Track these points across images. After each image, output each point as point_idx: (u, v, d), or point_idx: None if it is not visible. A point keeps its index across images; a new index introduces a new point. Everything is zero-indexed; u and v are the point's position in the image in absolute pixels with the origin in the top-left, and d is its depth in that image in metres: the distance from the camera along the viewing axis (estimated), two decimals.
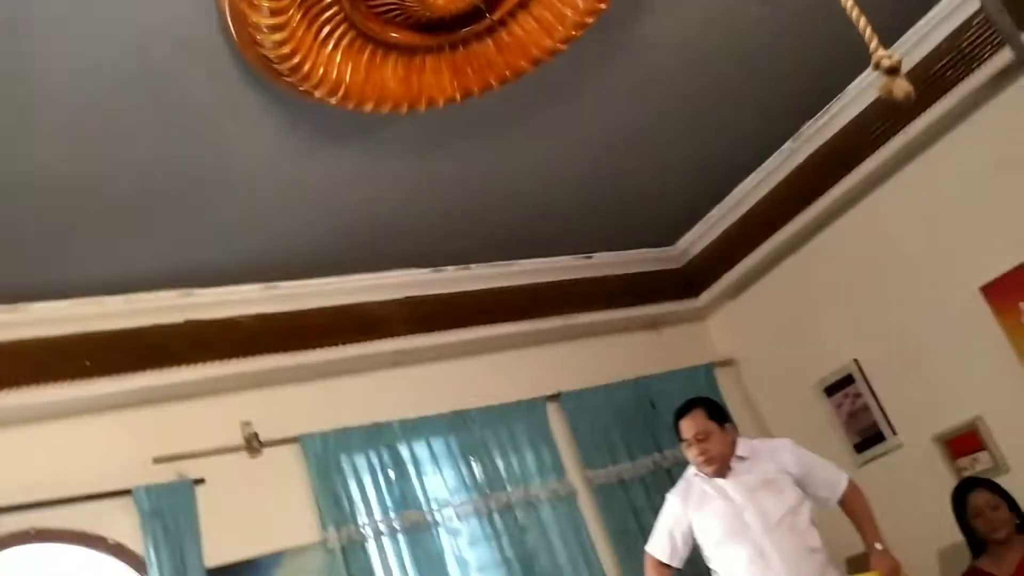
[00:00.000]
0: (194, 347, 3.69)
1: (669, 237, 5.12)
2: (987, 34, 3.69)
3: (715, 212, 4.93)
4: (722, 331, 5.34)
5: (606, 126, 3.76)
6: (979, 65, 3.75)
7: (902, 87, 0.95)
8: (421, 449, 4.05)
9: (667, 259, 5.22)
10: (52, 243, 3.20)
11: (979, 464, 4.10)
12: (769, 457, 3.48)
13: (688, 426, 3.51)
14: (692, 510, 3.54)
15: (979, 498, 3.47)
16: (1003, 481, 3.71)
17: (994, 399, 4.04)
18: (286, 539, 3.63)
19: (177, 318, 3.71)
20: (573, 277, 4.85)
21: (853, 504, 3.50)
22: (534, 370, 4.63)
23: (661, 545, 3.61)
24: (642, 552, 4.27)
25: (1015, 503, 3.47)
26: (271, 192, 3.38)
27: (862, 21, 1.79)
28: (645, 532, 4.33)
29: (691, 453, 3.53)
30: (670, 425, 4.70)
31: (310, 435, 3.83)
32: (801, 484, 3.46)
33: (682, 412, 3.59)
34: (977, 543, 3.52)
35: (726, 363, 5.21)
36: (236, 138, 3.04)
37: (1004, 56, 3.65)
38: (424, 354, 4.30)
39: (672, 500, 3.65)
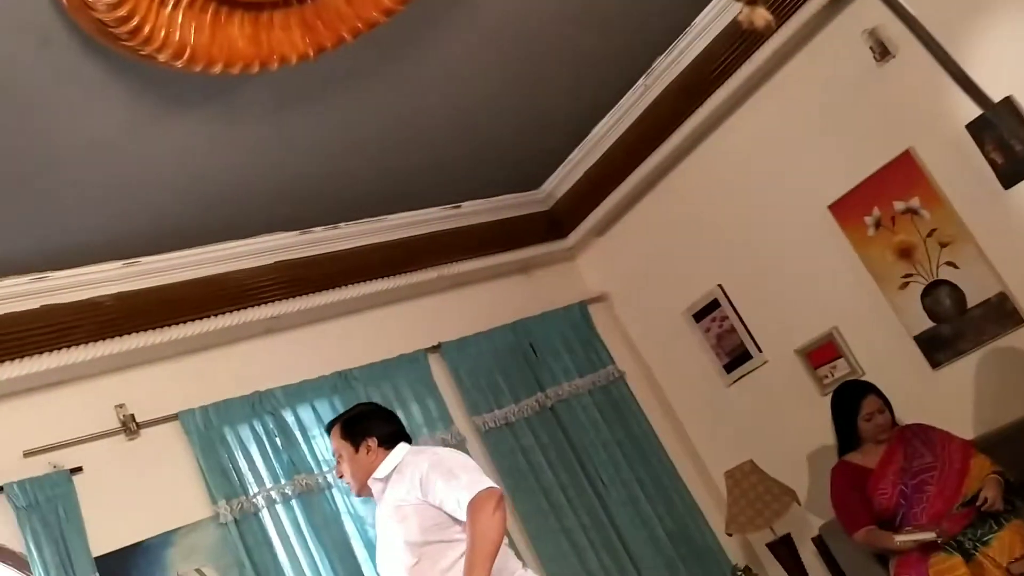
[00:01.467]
0: (54, 333, 3.50)
1: (534, 181, 5.18)
2: None
3: (576, 154, 5.02)
4: (592, 269, 5.48)
5: (462, 77, 3.75)
6: None
7: (762, 16, 0.98)
8: (306, 413, 4.00)
9: (534, 203, 5.29)
10: None
11: (837, 371, 4.40)
12: (409, 476, 2.77)
13: (332, 446, 3.06)
14: None
15: (872, 403, 3.69)
16: None
17: (847, 310, 4.33)
18: (176, 518, 3.53)
19: (32, 304, 3.50)
20: (443, 228, 4.85)
21: (468, 524, 2.59)
22: (413, 323, 4.63)
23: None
24: (532, 489, 4.41)
25: (890, 403, 3.73)
26: (123, 165, 3.21)
27: None
28: (534, 469, 4.47)
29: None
30: (551, 365, 4.86)
31: (189, 411, 3.72)
32: (436, 505, 2.72)
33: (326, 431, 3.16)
34: (849, 441, 3.77)
35: (598, 299, 5.36)
36: (80, 110, 2.86)
37: None
38: (299, 318, 4.23)
39: None
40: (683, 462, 5.02)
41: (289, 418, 3.93)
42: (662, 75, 4.55)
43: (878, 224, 4.11)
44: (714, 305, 4.86)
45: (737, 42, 4.21)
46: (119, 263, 3.70)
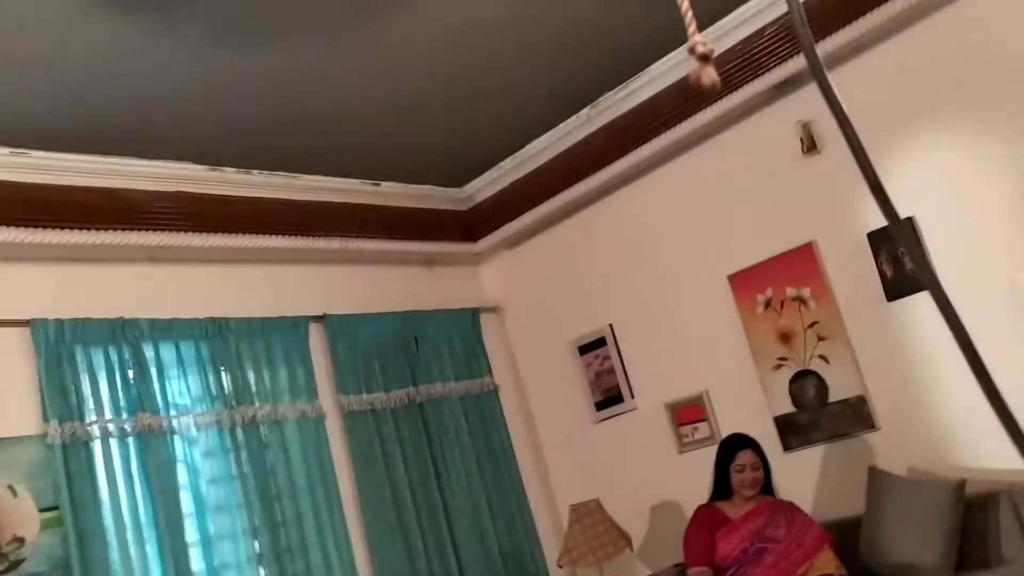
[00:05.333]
0: None
1: (459, 179, 5.17)
2: (776, 45, 3.99)
3: (507, 163, 5.04)
4: (493, 278, 5.50)
5: (413, 57, 3.71)
6: (764, 72, 4.05)
7: (710, 75, 1.01)
8: (168, 352, 3.86)
9: (453, 200, 5.28)
10: None
11: (698, 433, 4.53)
12: None
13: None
14: None
15: (746, 456, 3.80)
16: (711, 451, 4.10)
17: (721, 377, 4.46)
18: (1, 427, 3.35)
19: None
20: (357, 201, 4.78)
21: None
22: (301, 288, 4.55)
23: None
24: (381, 479, 4.37)
25: (768, 466, 3.85)
26: (37, 49, 3.04)
27: (686, 3, 1.87)
28: (387, 460, 4.44)
29: None
30: (430, 362, 4.84)
31: (43, 321, 3.52)
32: None
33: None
34: (721, 489, 3.86)
35: (492, 310, 5.38)
36: None
37: (786, 69, 3.97)
38: (187, 254, 4.09)
39: None
40: (533, 486, 5.07)
41: (149, 353, 3.79)
42: (607, 110, 4.61)
43: (768, 304, 4.25)
44: (600, 343, 4.94)
45: (683, 99, 4.30)
46: (6, 150, 3.51)
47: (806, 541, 3.60)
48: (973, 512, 3.48)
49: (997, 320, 3.44)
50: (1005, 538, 3.43)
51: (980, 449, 3.62)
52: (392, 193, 4.93)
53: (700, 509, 3.84)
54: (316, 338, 4.47)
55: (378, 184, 4.84)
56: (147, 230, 3.91)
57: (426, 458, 4.63)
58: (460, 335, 5.07)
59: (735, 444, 3.84)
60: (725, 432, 4.42)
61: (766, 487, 3.81)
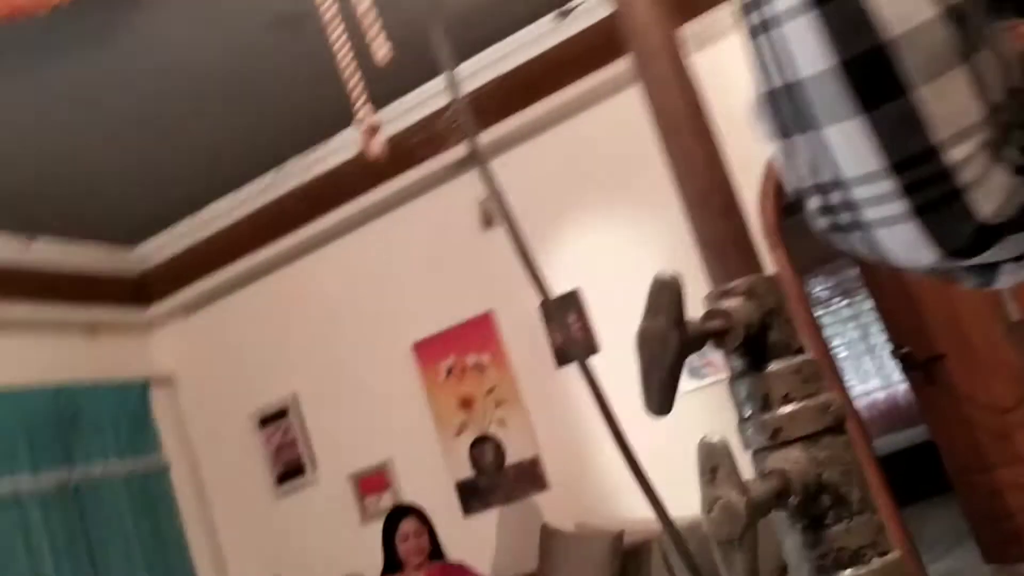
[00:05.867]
0: None
1: (129, 238, 4.81)
2: (455, 124, 4.22)
3: (184, 225, 4.79)
4: (167, 347, 5.14)
5: (84, 99, 3.43)
6: (444, 149, 4.26)
7: (378, 145, 1.05)
8: None
9: (122, 261, 4.89)
10: None
11: (383, 502, 4.52)
12: None
13: None
14: None
15: (408, 524, 3.78)
16: None
17: (405, 444, 4.51)
18: None
19: None
20: (5, 256, 4.26)
21: None
22: None
23: None
24: None
25: (434, 531, 3.87)
26: None
27: (354, 79, 1.93)
28: (33, 555, 3.91)
29: None
30: (88, 440, 4.38)
31: None
32: None
33: None
34: (391, 562, 3.82)
35: (164, 381, 5.01)
36: None
37: (465, 147, 4.21)
38: None
39: None
40: (205, 570, 4.73)
41: None
42: (292, 176, 4.57)
43: (450, 371, 4.40)
44: (282, 414, 4.79)
45: (368, 170, 4.37)
46: None
47: None
48: (630, 560, 3.81)
49: None
50: None
51: (636, 501, 3.98)
52: (49, 249, 4.46)
53: None
54: None
55: (32, 238, 4.35)
56: None
57: (81, 549, 4.14)
58: (125, 409, 4.66)
59: (396, 515, 3.88)
60: (409, 499, 4.47)
61: (435, 553, 3.88)
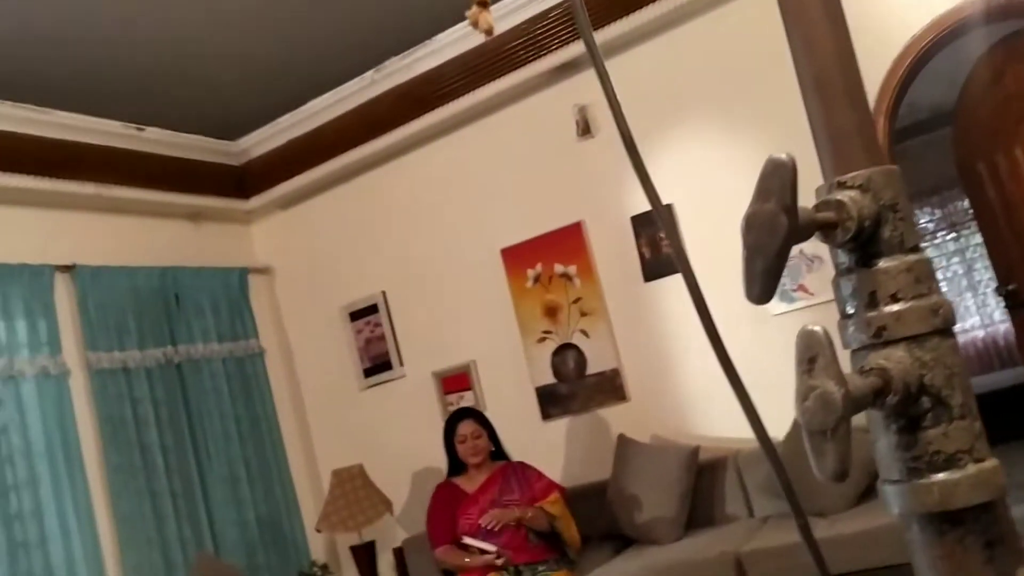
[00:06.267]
0: None
1: (233, 131, 4.93)
2: (558, 28, 4.14)
3: (286, 119, 4.87)
4: (265, 239, 5.31)
5: None
6: (546, 53, 4.19)
7: (487, 20, 1.05)
8: None
9: (226, 153, 5.03)
10: None
11: (464, 402, 4.64)
12: None
13: None
14: None
15: (466, 427, 3.91)
16: None
17: (488, 347, 4.60)
18: None
19: None
20: (117, 145, 4.43)
21: None
22: (48, 234, 4.16)
23: None
24: (130, 443, 4.11)
25: (495, 433, 3.99)
26: None
27: None
28: (139, 422, 4.18)
29: None
30: (191, 322, 4.60)
31: None
32: None
33: None
34: (455, 465, 3.97)
35: (262, 271, 5.20)
36: None
37: (567, 52, 4.13)
38: None
39: None
40: (296, 452, 4.98)
41: None
42: (392, 75, 4.58)
43: (537, 279, 4.43)
44: (372, 310, 4.92)
45: (467, 72, 4.36)
46: None
47: (538, 494, 3.81)
48: (704, 475, 3.84)
49: (736, 303, 3.79)
50: (729, 499, 3.82)
51: (713, 419, 4.00)
52: (158, 140, 4.62)
53: (438, 488, 3.95)
54: (62, 289, 4.11)
55: (142, 128, 4.51)
56: None
57: (182, 422, 4.41)
58: (226, 295, 4.87)
59: (454, 418, 4.00)
60: (490, 401, 4.58)
61: (497, 454, 3.97)
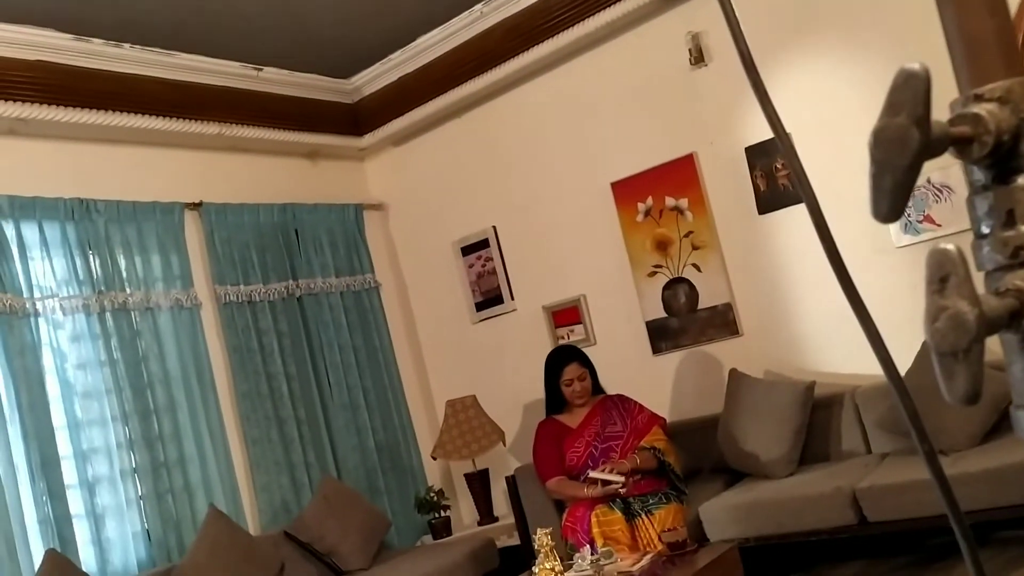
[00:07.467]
0: None
1: (346, 70, 5.01)
2: None
3: (397, 56, 4.91)
4: (379, 175, 5.42)
5: None
6: None
7: None
8: (31, 231, 3.67)
9: (340, 91, 5.13)
10: None
11: (574, 336, 4.68)
12: None
13: None
14: None
15: (573, 371, 3.93)
16: (588, 352, 4.26)
17: (599, 282, 4.59)
18: None
19: None
20: (237, 86, 4.58)
21: None
22: (177, 173, 4.36)
23: None
24: (257, 371, 4.34)
25: (595, 372, 4.01)
26: None
27: None
28: (264, 352, 4.39)
29: None
30: (310, 257, 4.77)
31: None
32: None
33: None
34: (555, 402, 4.02)
35: (376, 207, 5.32)
36: None
37: None
38: (52, 129, 3.84)
39: None
40: (411, 382, 5.14)
41: (9, 231, 3.58)
42: (499, 8, 4.54)
43: (648, 213, 4.38)
44: (483, 244, 4.98)
45: (576, 3, 4.28)
46: None
47: (641, 426, 3.83)
48: (819, 412, 3.77)
49: (859, 235, 3.66)
50: (846, 435, 3.74)
51: (829, 355, 3.90)
52: (275, 80, 4.74)
53: (541, 425, 3.99)
54: (191, 226, 4.32)
55: (260, 69, 4.64)
56: (6, 100, 3.64)
57: (304, 352, 4.61)
58: (343, 231, 5.01)
59: (559, 361, 3.98)
60: (600, 335, 4.60)
61: (595, 388, 3.99)
